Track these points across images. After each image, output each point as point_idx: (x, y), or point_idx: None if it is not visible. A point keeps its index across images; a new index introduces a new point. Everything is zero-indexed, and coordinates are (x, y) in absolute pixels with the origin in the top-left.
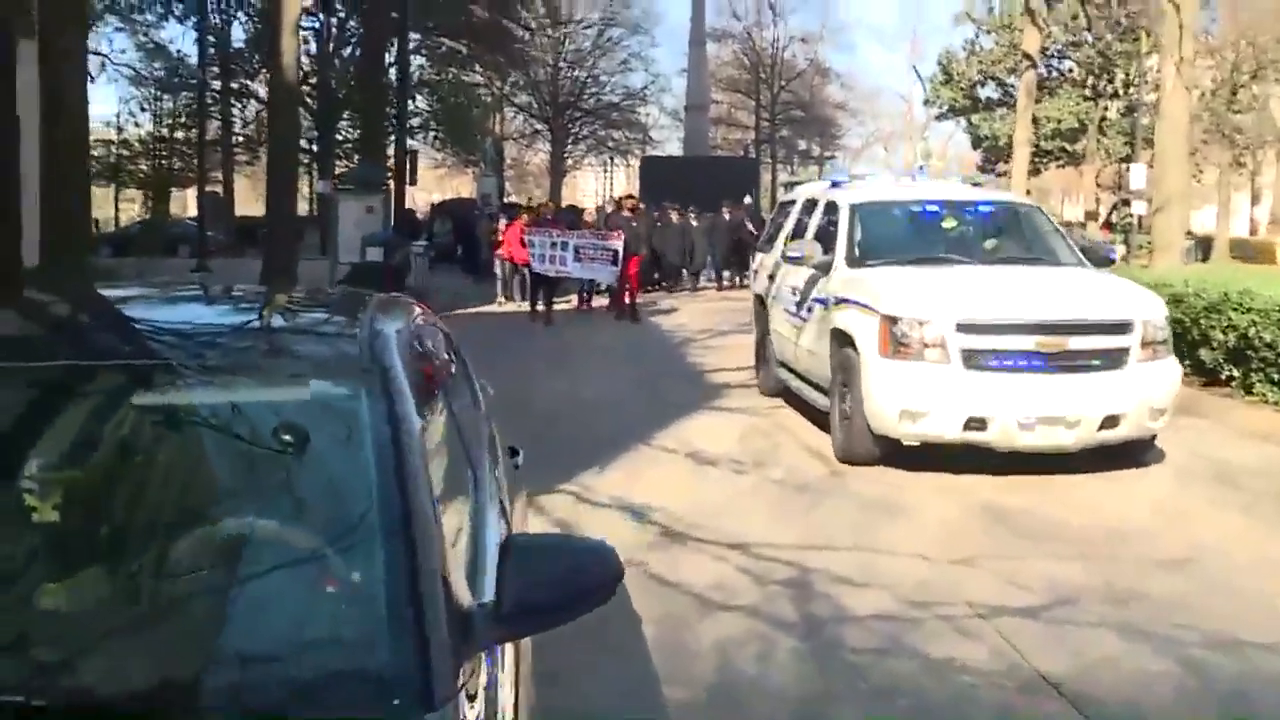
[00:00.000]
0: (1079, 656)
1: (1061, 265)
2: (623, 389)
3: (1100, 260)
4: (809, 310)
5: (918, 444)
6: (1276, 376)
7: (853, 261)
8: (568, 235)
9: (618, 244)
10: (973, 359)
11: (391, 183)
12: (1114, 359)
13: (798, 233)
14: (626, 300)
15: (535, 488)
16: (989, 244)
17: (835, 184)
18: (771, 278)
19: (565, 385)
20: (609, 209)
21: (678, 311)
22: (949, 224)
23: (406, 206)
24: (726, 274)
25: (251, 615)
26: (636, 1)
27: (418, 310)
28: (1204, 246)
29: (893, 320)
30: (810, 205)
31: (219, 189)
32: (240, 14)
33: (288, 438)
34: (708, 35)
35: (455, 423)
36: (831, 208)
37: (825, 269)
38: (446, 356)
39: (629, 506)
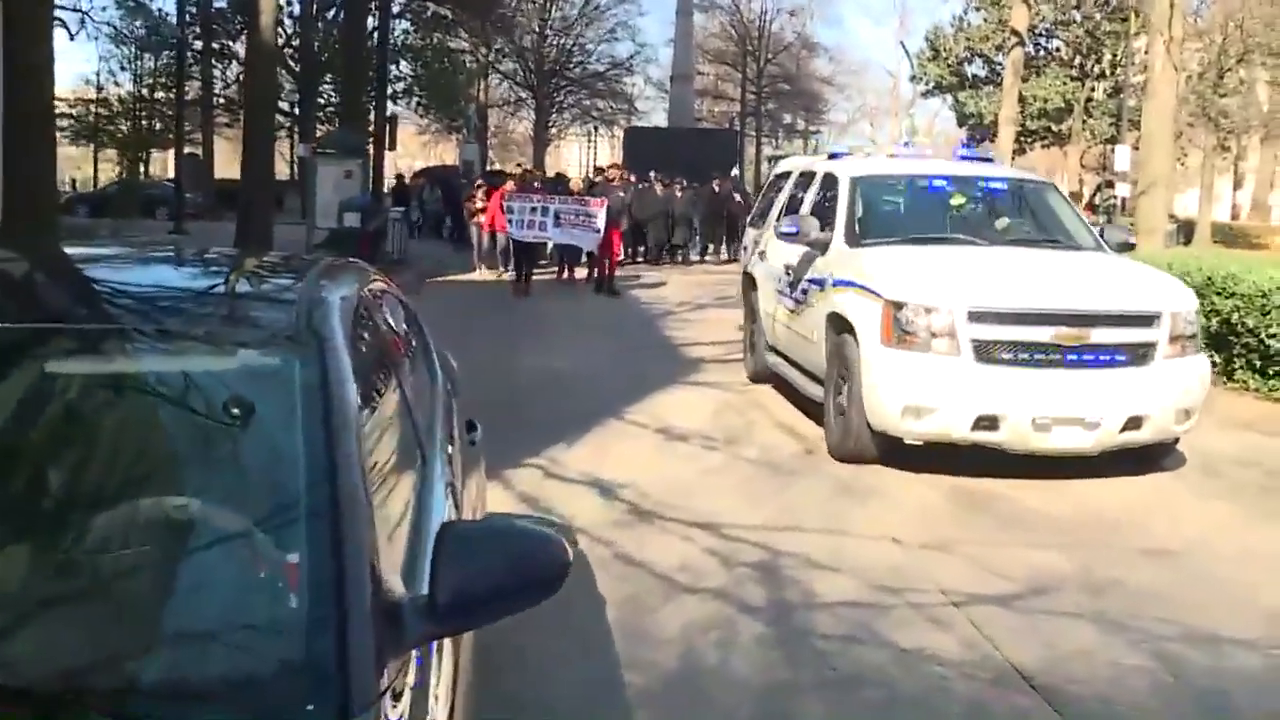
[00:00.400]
0: (1053, 648)
1: (1080, 249)
2: (596, 362)
3: (1120, 244)
4: (803, 292)
5: (921, 443)
6: (1258, 363)
7: (853, 239)
8: (549, 200)
9: (600, 210)
10: (985, 351)
11: (371, 148)
12: (1139, 354)
13: (792, 207)
14: (606, 272)
15: (502, 461)
16: (1000, 224)
17: (834, 155)
18: (763, 255)
19: (537, 357)
20: (595, 179)
21: (661, 286)
22: (957, 201)
23: (398, 173)
24: (710, 247)
25: (157, 603)
26: None
27: (370, 277)
28: (1186, 230)
29: (897, 306)
30: (807, 178)
31: (199, 151)
32: None
33: (210, 410)
34: (695, 6)
35: (404, 398)
36: (830, 181)
37: (822, 247)
38: (400, 327)
39: (597, 482)
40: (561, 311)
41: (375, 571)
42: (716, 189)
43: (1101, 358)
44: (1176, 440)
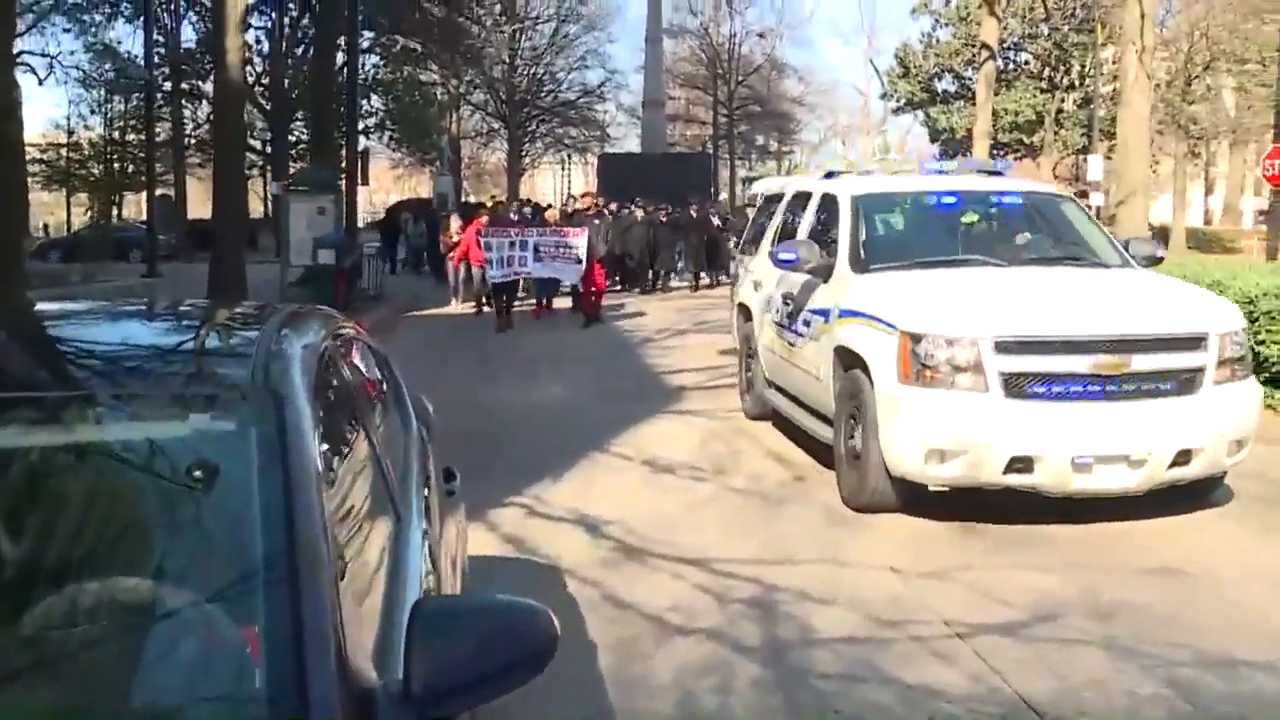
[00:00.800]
0: (1063, 679)
1: (1107, 266)
2: (579, 393)
3: (1147, 258)
4: (805, 324)
5: (947, 489)
6: None
7: (858, 265)
8: (526, 234)
9: (580, 239)
10: (1015, 385)
11: (344, 183)
12: (1186, 382)
13: (787, 232)
14: (592, 302)
15: (484, 501)
16: (1018, 241)
17: (830, 174)
18: (757, 285)
19: (518, 390)
20: (569, 209)
21: (645, 315)
22: (969, 219)
23: (388, 206)
24: (699, 274)
25: (99, 695)
26: None
27: (335, 324)
28: (1162, 237)
29: (915, 338)
30: (801, 199)
31: (171, 192)
32: (191, 14)
33: (158, 481)
34: (664, 31)
35: (375, 452)
36: (829, 201)
37: (824, 274)
38: (370, 374)
39: (583, 519)
40: (542, 343)
41: (343, 657)
42: (695, 213)
43: (1145, 387)
44: (1224, 474)
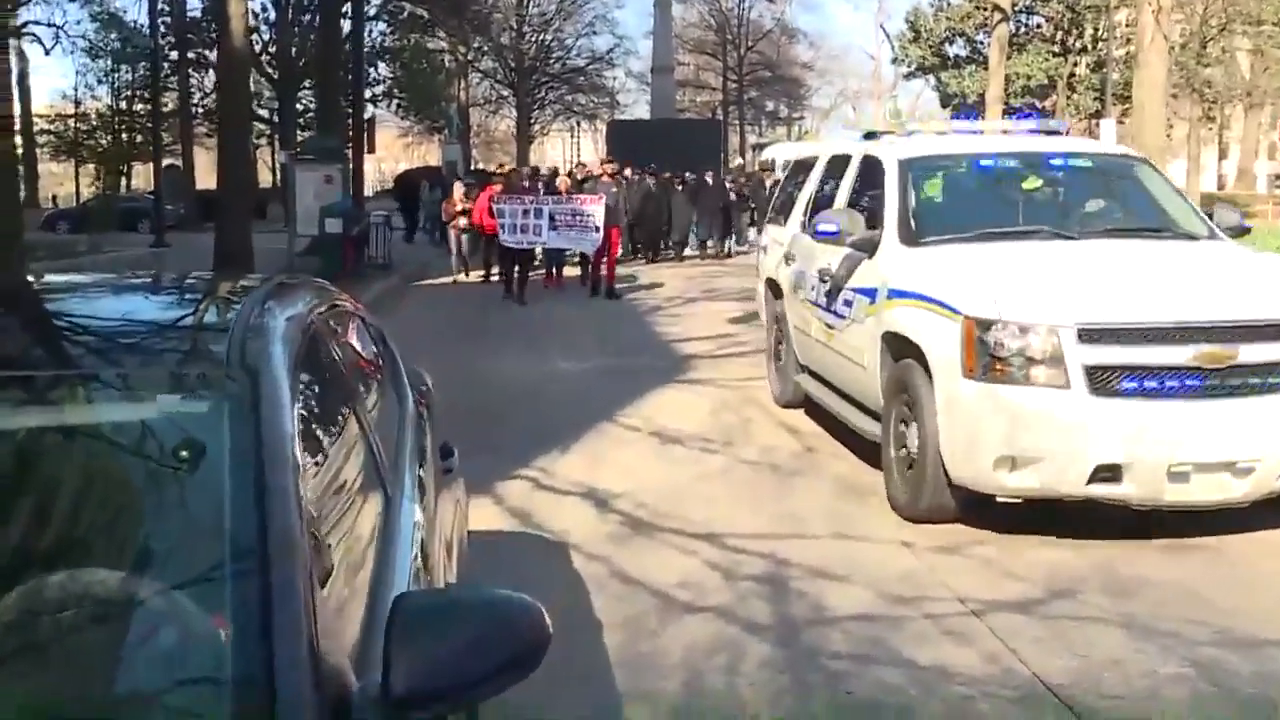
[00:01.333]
0: (1082, 659)
1: (1194, 239)
2: (588, 364)
3: (1234, 229)
4: (846, 304)
5: (1019, 500)
6: None
7: (909, 238)
8: (541, 201)
9: (598, 208)
10: (1102, 381)
11: (350, 152)
12: None
13: (821, 200)
14: (604, 273)
15: (491, 474)
16: (1089, 210)
17: (870, 135)
18: (789, 258)
19: (526, 361)
20: (579, 175)
21: (663, 286)
22: (1031, 185)
23: (399, 175)
24: (710, 242)
25: (62, 684)
26: None
27: (324, 296)
28: None
29: (983, 325)
30: (839, 164)
31: (179, 162)
32: None
33: (125, 467)
34: None
35: (365, 431)
36: (871, 166)
37: (869, 248)
38: (362, 349)
39: (591, 493)
40: (551, 313)
41: (317, 656)
42: (710, 181)
43: (1254, 382)
44: None
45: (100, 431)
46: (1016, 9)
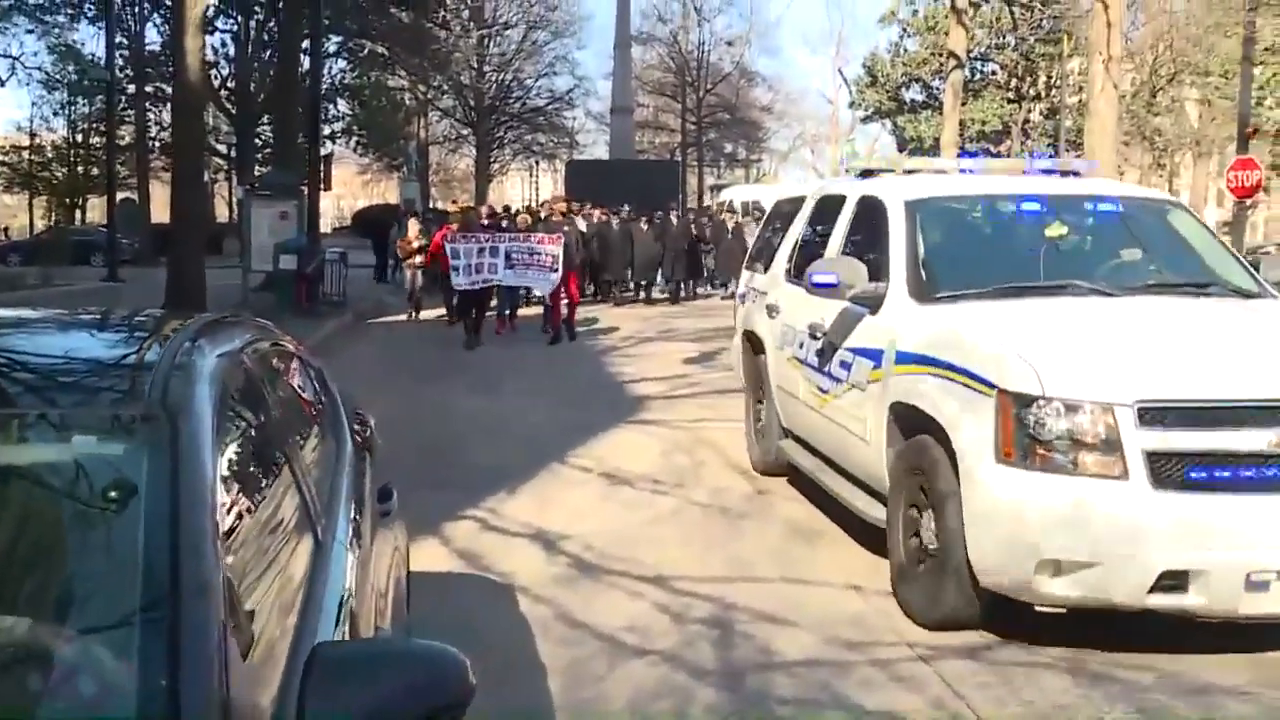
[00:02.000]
0: (1030, 705)
1: (1246, 296)
2: (541, 404)
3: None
4: (843, 366)
5: (1063, 610)
6: None
7: (920, 292)
8: (497, 239)
9: (557, 248)
10: (1167, 470)
11: (307, 188)
12: None
13: (809, 246)
14: (566, 316)
15: (439, 514)
16: (1122, 261)
17: (867, 173)
18: (772, 310)
19: (478, 400)
20: (543, 213)
21: (620, 330)
22: (1055, 231)
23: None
24: (678, 285)
25: None
26: (563, 3)
27: (258, 334)
28: None
29: (1022, 401)
30: (830, 205)
31: (135, 195)
32: (155, 16)
33: (37, 512)
34: (633, 38)
35: (296, 475)
36: (871, 208)
37: (872, 303)
38: (298, 389)
39: (539, 534)
40: (505, 353)
41: (227, 699)
42: (675, 220)
43: None
44: None
45: (13, 472)
46: (972, 56)
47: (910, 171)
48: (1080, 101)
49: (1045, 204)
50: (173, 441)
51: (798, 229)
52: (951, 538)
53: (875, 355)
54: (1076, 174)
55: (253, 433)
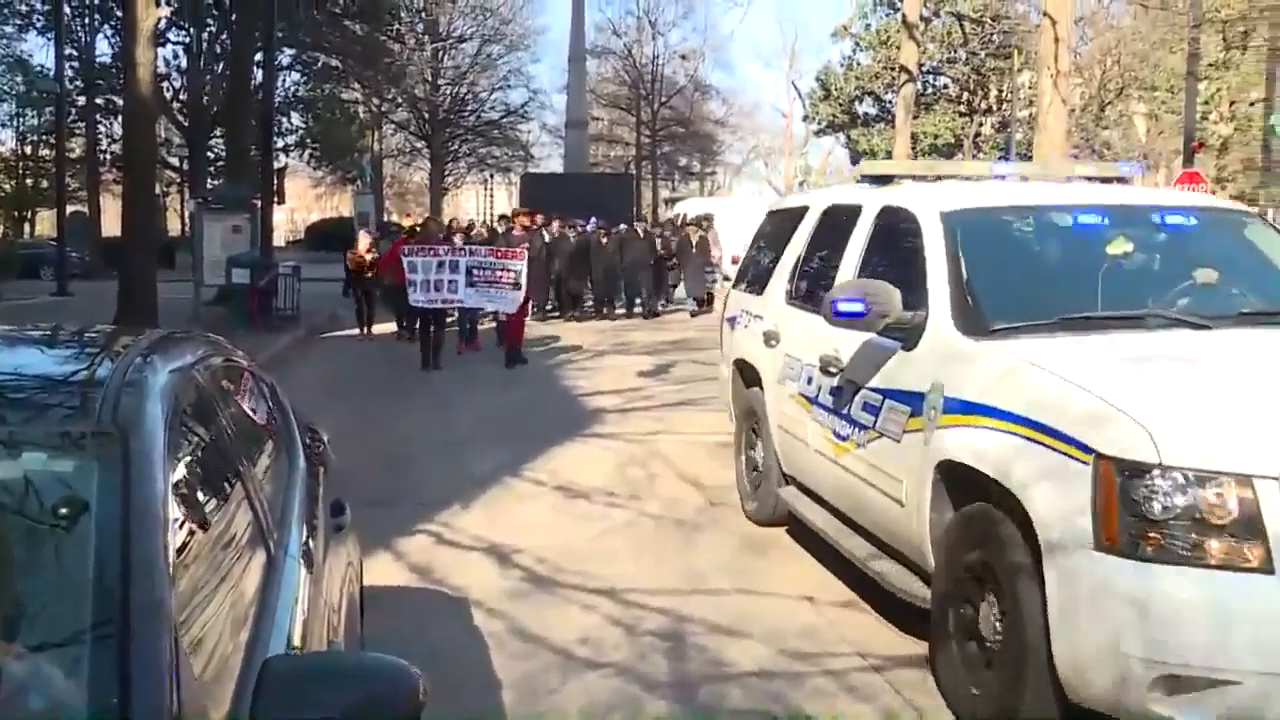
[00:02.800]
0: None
1: None
2: (495, 418)
3: None
4: (868, 410)
5: None
6: None
7: (971, 323)
8: (458, 253)
9: (520, 264)
10: None
11: (260, 202)
12: None
13: (813, 266)
14: (513, 335)
15: (392, 529)
16: (1200, 284)
17: (880, 180)
18: (770, 338)
19: (432, 414)
20: (499, 227)
21: (575, 343)
22: (1119, 249)
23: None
24: (643, 300)
25: None
26: (517, 17)
27: (212, 351)
28: None
29: (1131, 471)
30: (841, 217)
31: (85, 208)
32: (106, 27)
33: None
34: (588, 52)
35: (248, 490)
36: (896, 222)
37: (907, 336)
38: (249, 405)
39: (493, 548)
40: (459, 367)
41: (179, 716)
42: (641, 234)
43: None
44: None
45: None
46: (924, 70)
47: (940, 178)
48: (1031, 115)
49: (1106, 215)
50: (124, 458)
51: (798, 245)
52: (1029, 636)
53: (913, 400)
54: (1124, 181)
55: (205, 448)
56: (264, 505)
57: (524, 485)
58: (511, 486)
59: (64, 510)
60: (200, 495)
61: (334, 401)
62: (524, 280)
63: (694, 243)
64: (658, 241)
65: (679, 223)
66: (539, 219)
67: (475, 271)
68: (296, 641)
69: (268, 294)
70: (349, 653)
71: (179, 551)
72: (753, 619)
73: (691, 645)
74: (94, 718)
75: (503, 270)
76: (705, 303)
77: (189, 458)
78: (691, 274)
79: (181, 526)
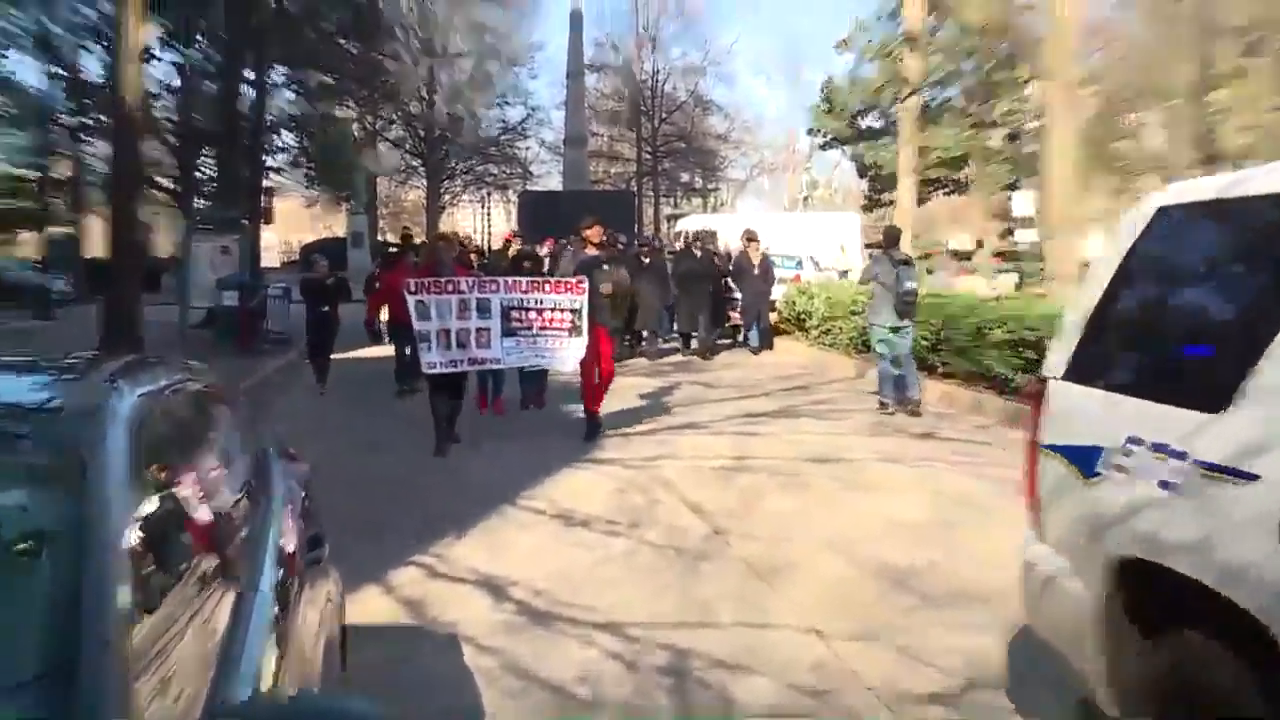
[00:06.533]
0: None
1: None
2: (492, 447)
3: None
4: None
5: None
6: None
7: None
8: (487, 288)
9: (582, 299)
10: None
11: (249, 223)
12: None
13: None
14: (596, 394)
15: (384, 561)
16: None
17: None
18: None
19: (427, 444)
20: (570, 245)
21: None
22: None
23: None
24: (696, 334)
25: None
26: (515, 32)
27: (183, 375)
28: None
29: None
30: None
31: (72, 229)
32: (95, 45)
33: None
34: (587, 67)
35: (218, 522)
36: None
37: None
38: (223, 432)
39: (488, 580)
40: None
41: None
42: (698, 254)
43: None
44: None
45: None
46: (930, 82)
47: None
48: (1042, 127)
49: None
50: (81, 489)
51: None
52: None
53: None
54: None
55: (172, 477)
56: (235, 539)
57: (521, 514)
58: (508, 515)
59: (17, 544)
60: (165, 525)
61: (323, 426)
62: (585, 322)
63: (755, 262)
64: (716, 262)
65: (685, 240)
66: (550, 242)
67: (515, 314)
68: (266, 683)
69: (257, 316)
70: (310, 695)
71: (138, 588)
72: (760, 654)
73: (695, 681)
74: None
75: (555, 312)
76: (766, 337)
77: (154, 486)
78: (751, 302)
79: (143, 561)
